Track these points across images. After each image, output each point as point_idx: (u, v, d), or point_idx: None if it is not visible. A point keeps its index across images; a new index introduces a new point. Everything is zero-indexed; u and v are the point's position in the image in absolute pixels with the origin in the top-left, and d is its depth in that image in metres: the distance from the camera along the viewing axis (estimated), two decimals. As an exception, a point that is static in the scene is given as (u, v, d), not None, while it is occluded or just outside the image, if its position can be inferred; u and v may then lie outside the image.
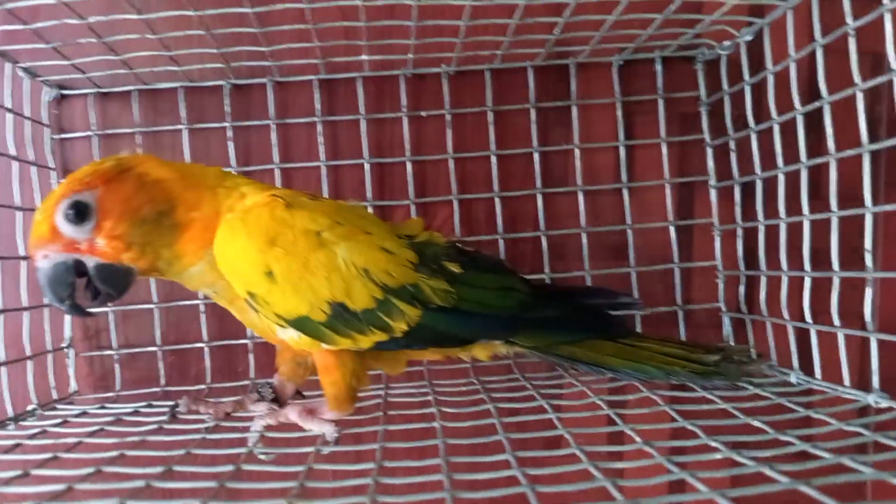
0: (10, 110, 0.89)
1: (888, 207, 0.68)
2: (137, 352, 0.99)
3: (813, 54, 0.77)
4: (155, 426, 0.77)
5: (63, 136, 0.99)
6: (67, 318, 0.98)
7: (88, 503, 0.53)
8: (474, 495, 0.53)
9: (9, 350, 0.87)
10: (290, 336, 0.72)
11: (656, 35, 0.93)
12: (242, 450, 0.68)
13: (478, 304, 0.74)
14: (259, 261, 0.67)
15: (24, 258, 0.90)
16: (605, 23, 0.88)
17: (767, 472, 0.52)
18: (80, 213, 0.64)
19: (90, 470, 0.61)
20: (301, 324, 0.70)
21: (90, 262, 0.66)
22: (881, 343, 0.71)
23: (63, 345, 0.97)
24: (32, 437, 0.75)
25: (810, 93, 0.82)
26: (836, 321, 0.76)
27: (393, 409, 0.81)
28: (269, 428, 0.75)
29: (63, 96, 0.99)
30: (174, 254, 0.69)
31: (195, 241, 0.69)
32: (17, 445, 0.71)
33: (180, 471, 0.61)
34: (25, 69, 0.92)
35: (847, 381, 0.75)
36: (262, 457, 0.70)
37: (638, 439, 0.64)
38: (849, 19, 0.71)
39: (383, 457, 0.63)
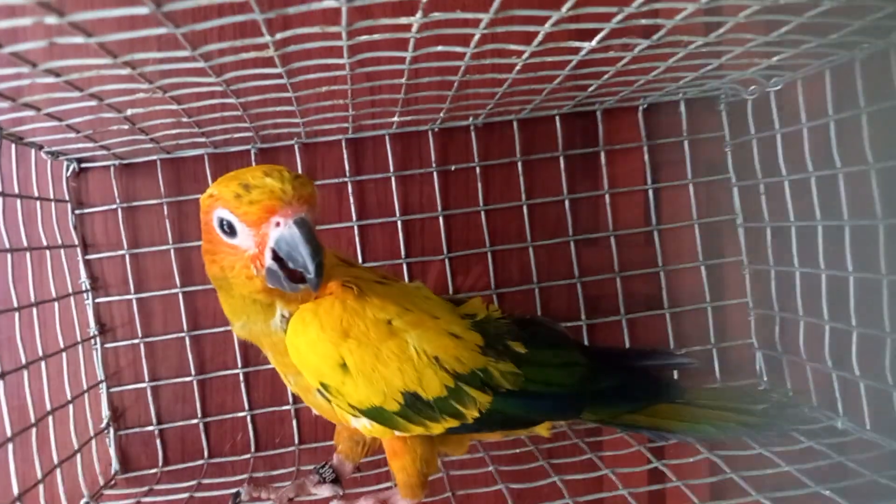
0: (38, 198, 0.86)
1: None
2: (178, 425, 0.98)
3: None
4: (224, 523, 0.76)
5: (86, 210, 0.96)
6: (104, 398, 0.96)
7: None
8: None
9: (43, 449, 0.83)
10: (363, 424, 0.71)
11: (682, 85, 0.93)
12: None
13: (544, 384, 0.74)
14: (332, 353, 0.67)
15: (66, 349, 0.88)
16: (638, 81, 0.88)
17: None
18: None
19: None
20: (374, 413, 0.69)
21: None
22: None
23: (102, 426, 0.95)
24: (103, 547, 0.74)
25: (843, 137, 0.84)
26: (890, 380, 0.78)
27: (459, 487, 0.81)
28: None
29: (82, 169, 0.96)
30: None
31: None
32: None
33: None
34: (49, 152, 0.88)
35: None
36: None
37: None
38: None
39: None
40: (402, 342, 0.69)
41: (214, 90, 0.71)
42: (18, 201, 0.82)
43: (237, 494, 0.81)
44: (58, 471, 0.82)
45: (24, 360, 0.78)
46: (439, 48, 0.68)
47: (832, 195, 0.85)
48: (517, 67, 0.75)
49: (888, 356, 0.77)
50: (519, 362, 0.73)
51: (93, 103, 0.70)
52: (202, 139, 0.91)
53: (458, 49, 0.68)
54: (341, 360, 0.67)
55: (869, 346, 0.82)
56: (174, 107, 0.75)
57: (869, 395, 0.82)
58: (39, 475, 0.77)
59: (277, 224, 0.62)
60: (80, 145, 0.86)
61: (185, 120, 0.81)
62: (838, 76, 0.82)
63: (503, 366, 0.72)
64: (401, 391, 0.69)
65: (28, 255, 0.83)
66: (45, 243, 0.88)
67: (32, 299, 0.82)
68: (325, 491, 0.81)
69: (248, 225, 0.63)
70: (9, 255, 0.76)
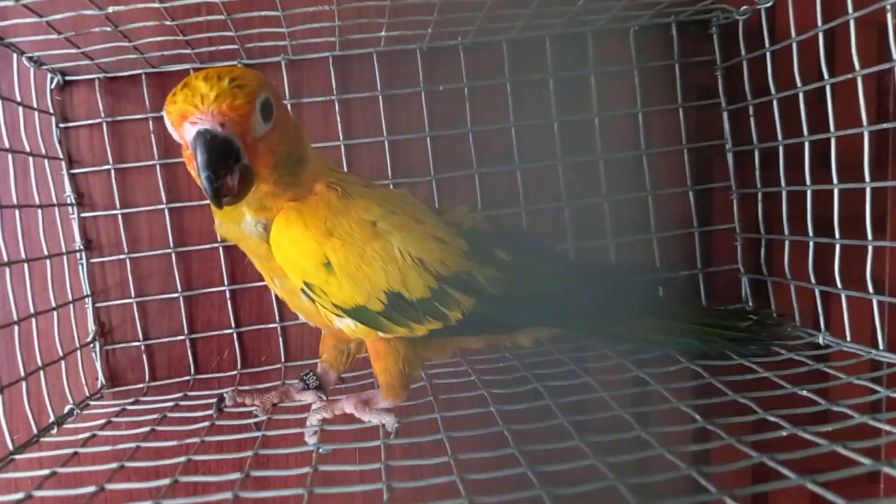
0: (20, 104, 0.85)
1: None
2: (165, 342, 0.98)
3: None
4: (207, 424, 0.76)
5: (70, 124, 0.96)
6: (90, 313, 0.96)
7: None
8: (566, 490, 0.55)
9: (29, 352, 0.83)
10: (347, 325, 0.72)
11: (675, 1, 0.92)
12: (309, 447, 0.69)
13: (528, 291, 0.74)
14: (317, 251, 0.67)
15: (50, 257, 0.88)
16: (630, -7, 0.87)
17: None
18: (268, 113, 0.63)
19: (167, 481, 0.61)
20: (358, 313, 0.70)
21: (245, 159, 0.62)
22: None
23: (88, 339, 0.95)
24: (85, 443, 0.74)
25: (834, 61, 0.83)
26: (871, 288, 0.78)
27: (441, 392, 0.81)
28: (325, 421, 0.76)
29: (66, 82, 0.95)
30: (279, 198, 0.67)
31: (286, 200, 0.67)
32: (75, 455, 0.71)
33: (257, 476, 0.61)
34: (31, 59, 0.87)
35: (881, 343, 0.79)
36: (321, 451, 0.71)
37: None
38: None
39: (453, 449, 0.65)
40: (387, 243, 0.69)
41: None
42: (0, 106, 0.81)
43: (221, 399, 0.82)
44: (42, 376, 0.82)
45: (6, 259, 0.78)
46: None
47: (820, 111, 0.85)
48: (504, -32, 0.74)
49: (869, 264, 0.77)
50: (503, 269, 0.74)
51: (72, -6, 0.69)
52: (187, 51, 0.90)
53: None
54: (325, 259, 0.67)
55: (851, 262, 0.82)
56: (156, 4, 0.75)
57: (850, 309, 0.83)
58: (23, 373, 0.78)
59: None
60: (63, 51, 0.85)
61: (167, 23, 0.80)
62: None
63: (487, 271, 0.73)
64: (384, 291, 0.69)
65: (10, 160, 0.82)
66: (28, 150, 0.88)
67: (15, 201, 0.81)
68: (308, 397, 0.81)
69: (172, 125, 0.63)
70: (-10, 154, 0.76)
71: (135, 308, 0.97)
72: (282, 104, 0.67)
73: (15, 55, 0.85)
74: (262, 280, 0.97)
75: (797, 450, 0.56)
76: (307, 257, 0.67)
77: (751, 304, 1.03)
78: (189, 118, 0.60)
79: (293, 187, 0.67)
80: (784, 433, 0.61)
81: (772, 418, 0.65)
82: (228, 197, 0.62)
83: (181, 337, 0.98)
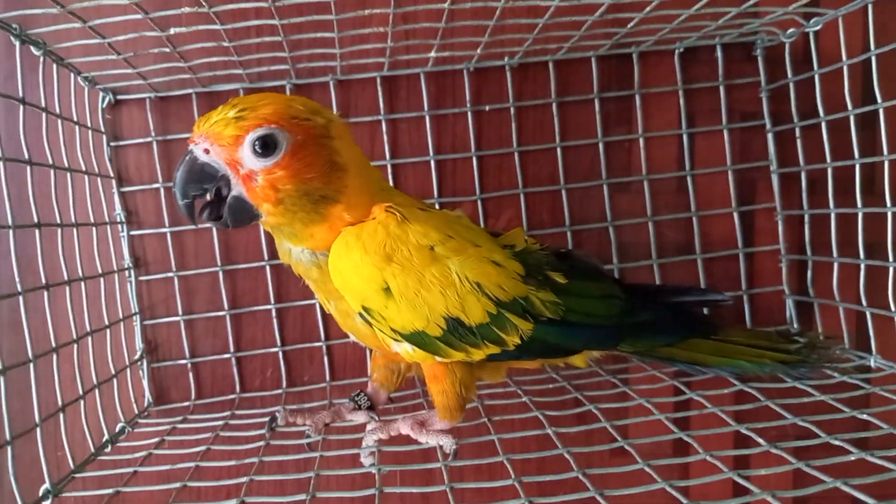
0: (77, 123, 0.86)
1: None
2: (210, 359, 0.99)
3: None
4: (262, 443, 0.77)
5: (121, 142, 0.96)
6: (138, 331, 0.97)
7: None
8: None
9: (82, 370, 0.82)
10: (405, 349, 0.71)
11: (722, 24, 0.93)
12: (370, 469, 0.69)
13: (584, 315, 0.74)
14: (376, 276, 0.67)
15: (104, 275, 0.89)
16: (679, 16, 0.87)
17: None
18: (267, 147, 0.62)
19: (234, 502, 0.61)
20: (416, 338, 0.70)
21: (235, 189, 0.64)
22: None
23: (136, 357, 0.96)
24: (143, 462, 0.74)
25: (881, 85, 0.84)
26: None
27: (493, 414, 0.81)
28: (381, 441, 0.76)
29: (117, 101, 0.96)
30: (305, 232, 0.68)
31: (330, 233, 0.68)
32: (135, 474, 0.71)
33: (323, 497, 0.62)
34: (86, 78, 0.89)
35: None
36: (381, 471, 0.71)
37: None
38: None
39: (517, 471, 0.65)
40: (445, 268, 0.68)
41: (261, 7, 0.72)
42: (60, 126, 0.82)
43: (273, 419, 0.82)
44: (96, 393, 0.82)
45: (66, 277, 0.78)
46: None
47: (870, 135, 0.85)
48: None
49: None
50: (559, 292, 0.73)
51: (138, 16, 0.70)
52: (239, 71, 0.91)
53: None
54: (385, 284, 0.67)
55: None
56: (216, 26, 0.76)
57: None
58: (81, 391, 0.78)
59: None
60: (117, 71, 0.87)
61: (225, 44, 0.81)
62: (881, 10, 0.81)
63: (544, 295, 0.72)
64: (443, 316, 0.69)
65: (69, 178, 0.83)
66: (83, 168, 0.88)
67: (73, 220, 0.82)
68: (360, 417, 0.81)
69: None
70: (52, 173, 0.77)
71: (182, 325, 0.98)
72: (313, 142, 0.65)
73: (72, 75, 0.86)
74: (308, 299, 0.98)
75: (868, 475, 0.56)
76: (366, 282, 0.67)
77: (796, 325, 1.02)
78: (192, 138, 0.64)
79: (315, 224, 0.67)
80: (852, 457, 0.61)
81: (836, 442, 0.65)
82: (217, 221, 0.65)
83: (227, 355, 0.99)
